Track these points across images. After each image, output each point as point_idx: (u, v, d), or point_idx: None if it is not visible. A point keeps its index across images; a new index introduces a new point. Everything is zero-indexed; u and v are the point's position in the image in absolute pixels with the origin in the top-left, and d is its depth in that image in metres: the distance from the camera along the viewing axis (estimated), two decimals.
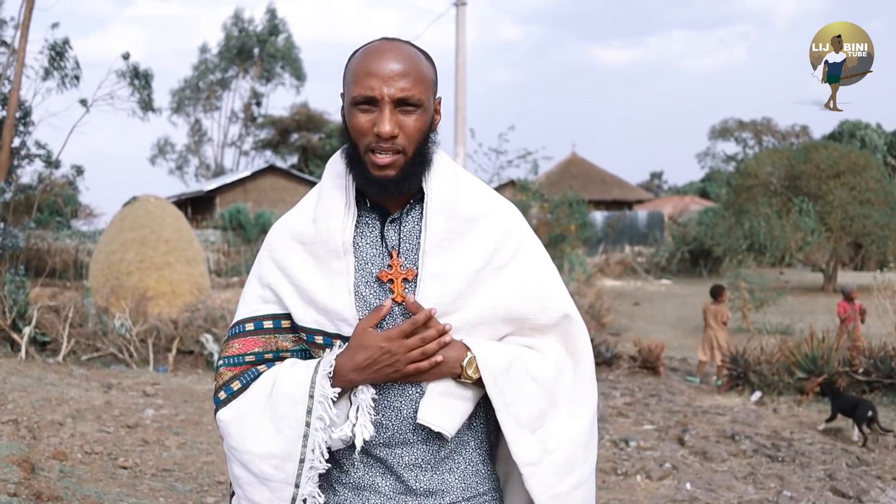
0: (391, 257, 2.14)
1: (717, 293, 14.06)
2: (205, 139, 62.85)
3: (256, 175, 43.07)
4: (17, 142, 18.17)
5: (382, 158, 2.05)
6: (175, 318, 13.50)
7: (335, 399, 2.07)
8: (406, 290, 2.11)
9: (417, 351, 2.03)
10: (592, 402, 2.24)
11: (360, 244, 2.16)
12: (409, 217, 2.18)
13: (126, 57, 20.19)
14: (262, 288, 2.23)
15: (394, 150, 2.05)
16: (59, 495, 5.56)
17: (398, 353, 2.02)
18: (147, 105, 20.64)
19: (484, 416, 2.21)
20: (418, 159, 2.11)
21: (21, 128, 18.21)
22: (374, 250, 2.16)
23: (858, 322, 13.26)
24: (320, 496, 2.12)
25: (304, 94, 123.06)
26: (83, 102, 19.12)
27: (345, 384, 2.07)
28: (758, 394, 11.22)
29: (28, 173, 21.40)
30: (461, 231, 2.14)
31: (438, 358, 2.04)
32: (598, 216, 39.85)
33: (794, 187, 28.68)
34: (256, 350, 2.20)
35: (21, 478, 5.60)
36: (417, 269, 2.12)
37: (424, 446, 2.12)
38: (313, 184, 42.66)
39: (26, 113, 18.22)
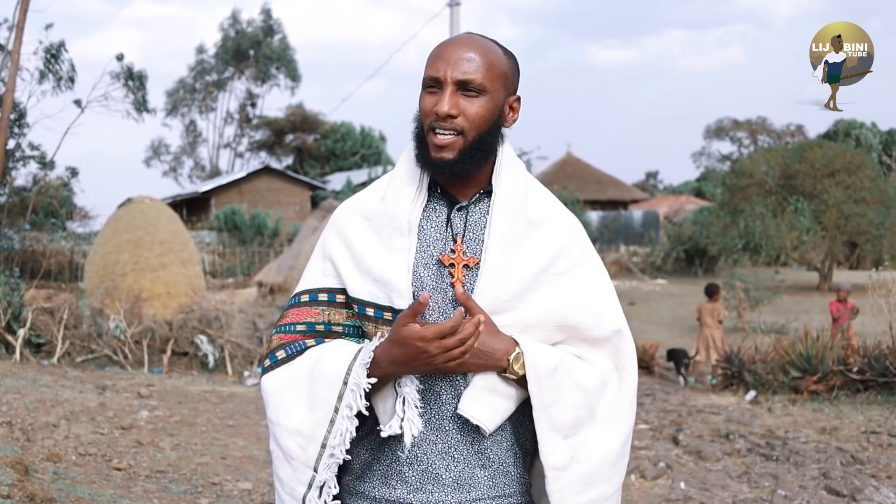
0: (455, 242, 2.18)
1: (712, 292, 14.13)
2: (200, 140, 62.86)
3: (252, 176, 43.01)
4: (11, 144, 18.16)
5: (441, 139, 2.11)
6: (170, 319, 13.48)
7: (368, 389, 2.07)
8: (466, 277, 2.15)
9: (457, 351, 2.01)
10: (630, 421, 2.25)
11: (424, 227, 2.21)
12: (477, 208, 2.23)
13: (120, 58, 20.19)
14: (323, 261, 2.27)
15: (453, 130, 2.11)
16: (53, 497, 5.54)
17: (435, 353, 2.00)
18: (141, 106, 20.62)
19: (520, 419, 2.20)
20: (477, 145, 2.15)
21: (16, 129, 18.20)
22: (438, 234, 2.20)
23: (851, 321, 13.30)
24: (335, 487, 2.12)
25: (299, 95, 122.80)
26: (78, 103, 19.12)
27: (382, 375, 2.07)
28: (752, 393, 11.23)
29: (23, 175, 21.43)
30: (525, 232, 2.18)
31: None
32: (594, 216, 39.87)
33: (790, 186, 28.69)
34: (308, 320, 2.23)
35: (15, 480, 5.59)
36: (479, 258, 2.16)
37: (459, 436, 2.13)
38: (309, 185, 42.99)
39: (20, 115, 18.21)
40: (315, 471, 2.10)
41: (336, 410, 2.07)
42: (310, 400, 2.11)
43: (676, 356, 13.89)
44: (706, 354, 13.57)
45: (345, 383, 2.07)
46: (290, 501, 2.15)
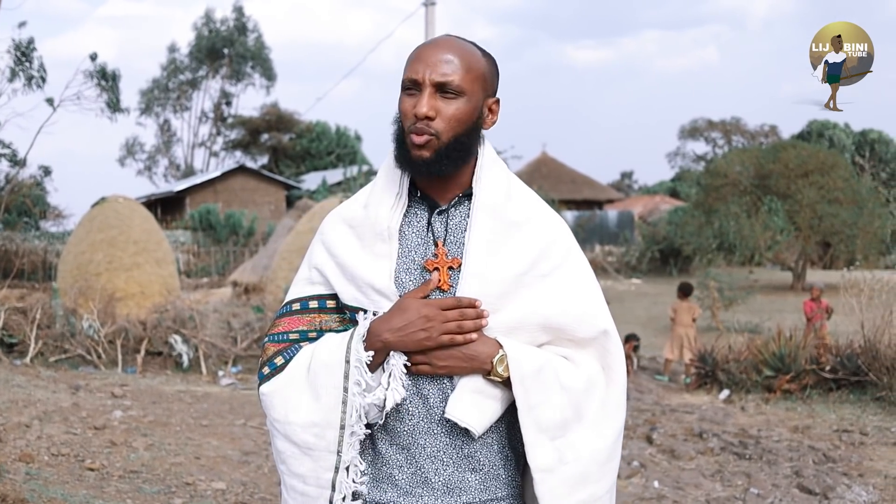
0: (436, 247, 2.19)
1: (688, 290, 14.17)
2: (174, 139, 62.56)
3: (226, 175, 42.87)
4: None
5: (417, 138, 2.11)
6: (144, 319, 13.41)
7: (369, 362, 2.10)
8: (451, 279, 2.16)
9: (454, 324, 2.07)
10: (619, 421, 2.27)
11: (405, 232, 2.22)
12: (458, 211, 2.24)
13: (94, 57, 20.05)
14: (310, 270, 2.30)
15: (428, 132, 2.11)
16: (25, 498, 5.51)
17: (434, 321, 2.06)
18: (114, 106, 20.50)
19: (511, 422, 2.20)
20: (454, 146, 2.15)
21: None
22: (420, 239, 2.21)
23: (825, 320, 13.38)
24: (361, 463, 2.15)
25: (274, 94, 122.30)
26: (50, 102, 18.98)
27: (378, 345, 2.10)
28: (726, 392, 11.29)
29: None
30: (506, 233, 2.18)
31: (473, 336, 2.08)
32: (569, 216, 39.91)
33: (764, 187, 28.87)
34: (300, 328, 2.25)
35: None
36: (462, 260, 2.17)
37: (448, 439, 2.14)
38: (284, 184, 42.87)
39: None
40: (339, 454, 2.12)
41: (345, 390, 2.10)
42: (313, 390, 2.14)
43: (627, 339, 14.21)
44: (679, 353, 13.61)
45: (347, 362, 2.10)
46: (315, 492, 2.16)
